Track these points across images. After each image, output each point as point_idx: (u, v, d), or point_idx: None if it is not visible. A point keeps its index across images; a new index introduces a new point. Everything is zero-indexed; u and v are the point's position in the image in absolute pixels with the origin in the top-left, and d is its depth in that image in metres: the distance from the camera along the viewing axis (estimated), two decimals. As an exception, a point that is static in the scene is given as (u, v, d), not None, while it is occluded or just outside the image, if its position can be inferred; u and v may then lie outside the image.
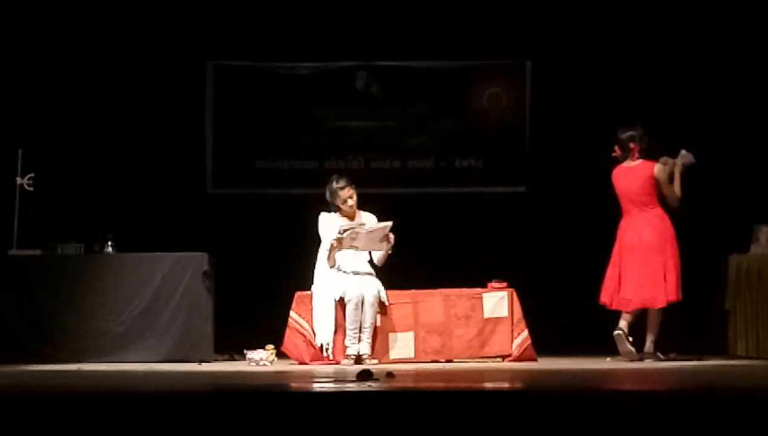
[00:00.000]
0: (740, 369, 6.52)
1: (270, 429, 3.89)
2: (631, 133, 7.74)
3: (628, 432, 3.78)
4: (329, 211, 7.84)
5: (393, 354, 7.71)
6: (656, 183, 7.63)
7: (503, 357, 7.76)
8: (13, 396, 4.66)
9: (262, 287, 8.98)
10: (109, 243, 8.13)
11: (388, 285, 7.79)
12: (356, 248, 7.70)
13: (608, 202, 9.43)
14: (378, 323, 7.69)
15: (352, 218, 7.84)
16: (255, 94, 10.07)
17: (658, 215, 7.63)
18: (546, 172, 9.79)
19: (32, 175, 8.13)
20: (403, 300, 7.82)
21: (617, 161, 7.84)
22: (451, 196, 10.00)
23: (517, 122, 10.09)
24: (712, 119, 9.08)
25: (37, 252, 8.10)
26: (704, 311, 7.98)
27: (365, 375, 5.31)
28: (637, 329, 7.61)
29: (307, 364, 7.55)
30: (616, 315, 7.78)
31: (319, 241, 7.80)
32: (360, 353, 7.54)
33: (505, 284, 7.90)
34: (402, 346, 7.74)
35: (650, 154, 7.75)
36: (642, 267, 7.59)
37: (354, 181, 7.86)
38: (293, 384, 5.44)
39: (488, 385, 5.30)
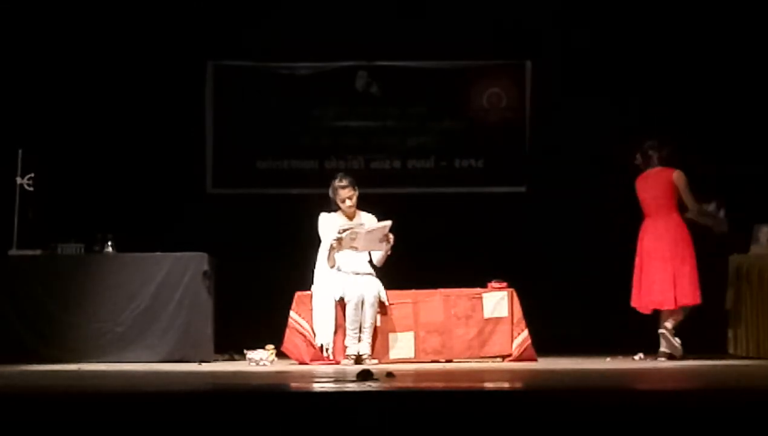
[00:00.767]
0: (740, 369, 6.52)
1: (270, 429, 3.89)
2: (651, 142, 7.94)
3: (629, 432, 3.77)
4: (329, 212, 7.84)
5: (393, 354, 7.71)
6: (675, 188, 7.79)
7: (503, 357, 7.76)
8: (12, 396, 4.66)
9: (262, 287, 8.98)
10: (109, 243, 8.12)
11: (388, 285, 7.79)
12: (356, 248, 7.70)
13: (608, 203, 9.46)
14: (378, 323, 7.69)
15: (351, 218, 7.84)
16: (255, 95, 10.07)
17: (675, 220, 7.79)
18: (546, 172, 9.79)
19: (32, 175, 8.12)
20: (403, 300, 7.83)
21: (639, 169, 8.00)
22: (451, 196, 10.01)
23: (517, 122, 10.09)
24: (713, 119, 9.08)
25: (38, 252, 8.09)
26: (704, 311, 7.98)
27: (365, 375, 5.30)
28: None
29: (307, 364, 7.55)
30: (617, 316, 7.83)
31: (319, 241, 7.80)
32: (360, 353, 7.54)
33: (505, 284, 7.90)
34: (402, 346, 7.74)
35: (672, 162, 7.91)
36: (655, 270, 7.76)
37: (354, 181, 7.86)
38: (293, 384, 5.43)
39: (488, 385, 5.30)
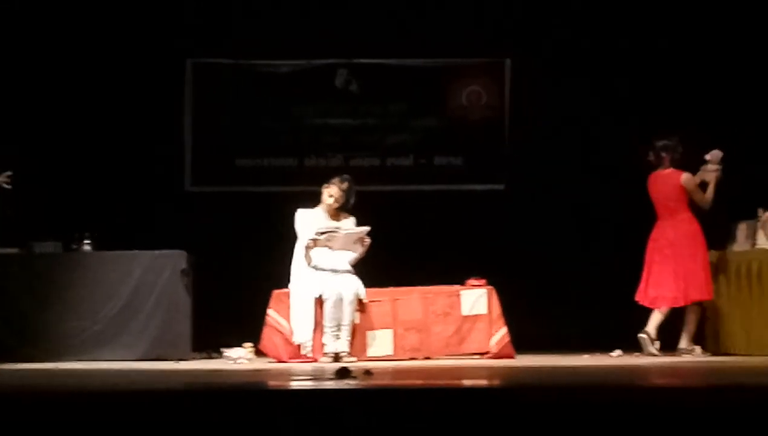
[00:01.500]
0: (716, 366, 6.55)
1: (248, 428, 3.88)
2: (665, 142, 8.02)
3: (608, 428, 3.78)
4: (306, 208, 7.84)
5: (371, 352, 7.71)
6: (684, 191, 7.92)
7: (481, 354, 7.77)
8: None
9: (241, 285, 8.95)
10: (87, 241, 8.09)
11: (367, 283, 7.79)
12: (330, 247, 7.71)
13: (587, 201, 9.48)
14: (356, 321, 7.68)
15: (332, 216, 7.84)
16: (234, 93, 10.04)
17: (685, 220, 7.93)
18: (525, 170, 9.80)
19: (10, 173, 8.07)
20: (382, 298, 7.83)
21: (651, 167, 8.08)
22: (431, 194, 10.00)
23: (497, 120, 10.09)
24: (690, 117, 9.09)
25: (15, 250, 8.05)
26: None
27: (343, 373, 5.30)
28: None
29: (285, 362, 7.54)
30: (596, 313, 7.89)
31: (296, 238, 7.79)
32: (338, 351, 7.53)
33: (483, 282, 7.91)
34: (380, 343, 7.74)
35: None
36: (666, 268, 7.89)
37: (350, 186, 7.83)
38: (271, 382, 5.43)
39: (466, 382, 5.30)
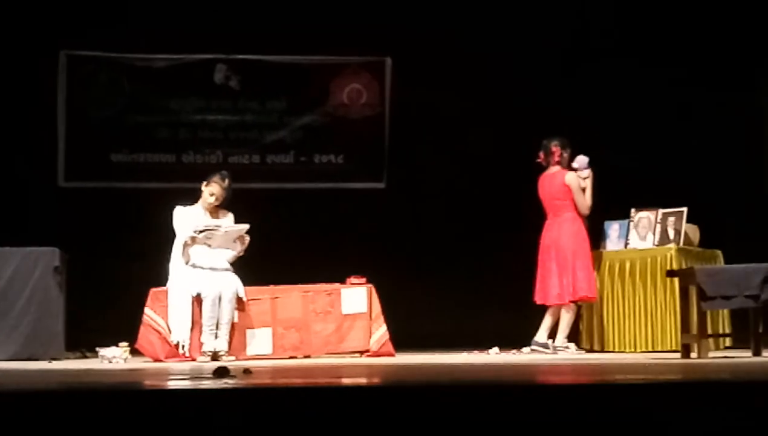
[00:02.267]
0: (595, 362, 6.68)
1: (123, 428, 3.79)
2: (554, 142, 8.12)
3: (487, 426, 3.81)
4: (184, 205, 7.74)
5: (250, 351, 7.65)
6: (569, 190, 8.02)
7: (362, 353, 7.79)
8: None
9: (116, 283, 8.80)
10: (-45, 237, 7.84)
11: (246, 281, 7.73)
12: (209, 245, 7.63)
13: (467, 199, 9.58)
14: (235, 320, 7.61)
15: (211, 213, 7.76)
16: (110, 86, 9.86)
17: (568, 220, 8.05)
18: (405, 168, 9.86)
19: None
20: (261, 296, 7.78)
21: (541, 168, 8.15)
22: (311, 191, 9.98)
23: (377, 118, 10.14)
24: (566, 115, 9.25)
25: None
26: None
27: (222, 372, 5.24)
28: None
29: (162, 361, 7.42)
30: (476, 311, 8.00)
31: (174, 235, 7.68)
32: (216, 350, 7.45)
33: (364, 280, 7.92)
34: (259, 342, 7.69)
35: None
36: (552, 267, 8.00)
37: (229, 184, 7.75)
38: (147, 382, 5.33)
39: (346, 381, 5.29)
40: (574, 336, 8.19)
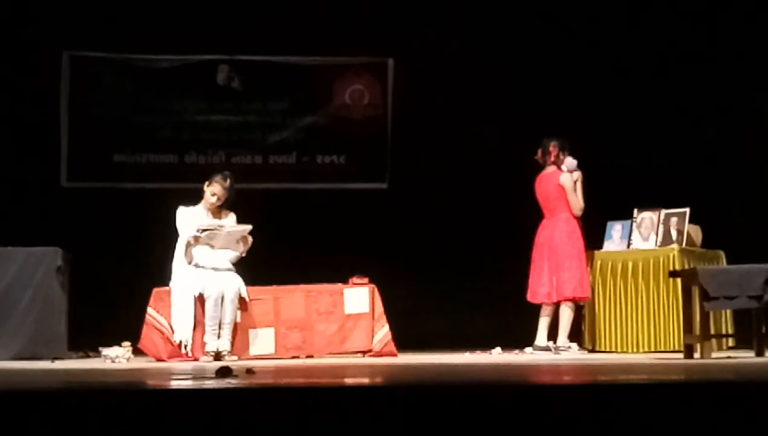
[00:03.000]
0: (598, 363, 6.68)
1: (126, 428, 3.80)
2: (552, 142, 8.15)
3: (489, 426, 3.81)
4: (187, 206, 7.75)
5: (253, 350, 7.66)
6: (563, 190, 8.05)
7: (364, 353, 7.79)
8: None
9: (119, 282, 8.81)
10: (-42, 237, 7.85)
11: (249, 281, 7.73)
12: (212, 246, 7.64)
13: (469, 200, 9.58)
14: (238, 320, 7.62)
15: (213, 214, 7.76)
16: (112, 87, 9.87)
17: (562, 220, 8.07)
18: (407, 169, 9.86)
19: None
20: (264, 296, 7.79)
21: (540, 167, 8.17)
22: (313, 192, 9.99)
23: (379, 119, 10.15)
24: (567, 115, 9.26)
25: None
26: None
27: (224, 372, 5.24)
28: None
29: (164, 361, 7.43)
30: (479, 311, 8.02)
31: (177, 235, 7.68)
32: (219, 350, 7.46)
33: (366, 280, 7.93)
34: (262, 342, 7.70)
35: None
36: (544, 266, 8.05)
37: (232, 184, 7.75)
38: (150, 382, 5.33)
39: (348, 381, 5.29)
40: (576, 336, 8.19)
